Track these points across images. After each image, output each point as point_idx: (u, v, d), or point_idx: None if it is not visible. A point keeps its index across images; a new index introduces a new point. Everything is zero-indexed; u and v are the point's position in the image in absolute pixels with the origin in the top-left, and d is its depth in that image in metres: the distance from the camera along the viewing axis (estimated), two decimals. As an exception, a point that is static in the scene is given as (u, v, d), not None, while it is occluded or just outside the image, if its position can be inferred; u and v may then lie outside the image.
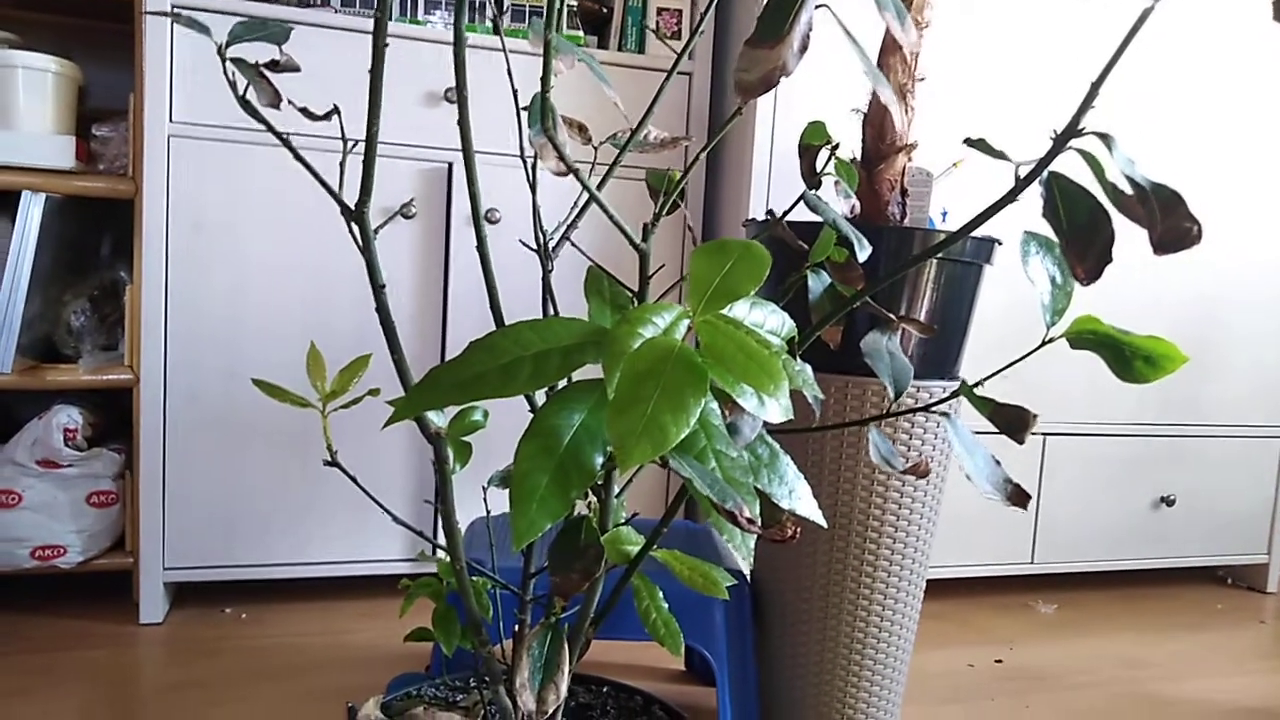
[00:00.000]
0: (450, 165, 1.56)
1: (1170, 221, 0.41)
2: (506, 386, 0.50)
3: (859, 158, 1.16)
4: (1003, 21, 1.67)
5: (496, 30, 1.27)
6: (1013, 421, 0.55)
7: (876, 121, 1.14)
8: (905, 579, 1.15)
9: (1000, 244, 1.15)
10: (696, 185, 1.72)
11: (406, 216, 1.54)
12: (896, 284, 1.10)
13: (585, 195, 0.57)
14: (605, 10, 1.72)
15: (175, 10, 1.41)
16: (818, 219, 0.70)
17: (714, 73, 1.71)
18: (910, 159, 1.15)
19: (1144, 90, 1.78)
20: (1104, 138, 0.43)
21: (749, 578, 1.21)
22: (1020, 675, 1.51)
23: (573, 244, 0.72)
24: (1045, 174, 0.45)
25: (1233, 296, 1.91)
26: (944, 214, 1.49)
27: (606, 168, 0.67)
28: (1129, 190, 0.43)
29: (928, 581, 1.69)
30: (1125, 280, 1.82)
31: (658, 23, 1.70)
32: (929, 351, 1.13)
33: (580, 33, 1.69)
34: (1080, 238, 0.43)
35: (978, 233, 1.12)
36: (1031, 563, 1.83)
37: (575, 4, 1.70)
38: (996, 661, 1.56)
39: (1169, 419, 1.90)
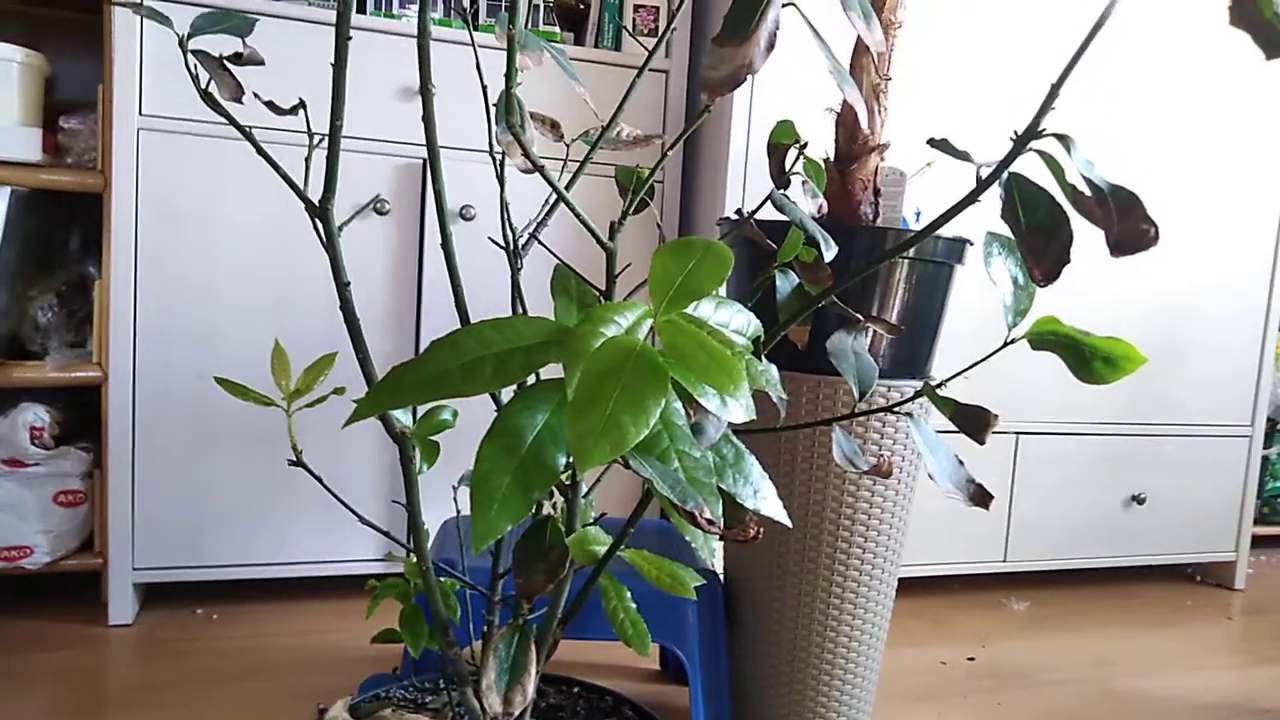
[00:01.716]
0: (425, 161, 1.55)
1: (1127, 223, 0.41)
2: (468, 386, 0.49)
3: (833, 157, 1.17)
4: (983, 21, 1.68)
5: (468, 24, 1.26)
6: (973, 422, 0.56)
7: (849, 121, 1.15)
8: (877, 577, 1.16)
9: (971, 244, 1.16)
10: (673, 184, 1.72)
11: (380, 212, 1.53)
12: (868, 284, 1.10)
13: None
14: (582, 6, 1.72)
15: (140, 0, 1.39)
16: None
17: (690, 71, 1.71)
18: (883, 159, 1.16)
19: (1110, 92, 1.80)
20: (1063, 139, 0.43)
21: (721, 577, 1.21)
22: (992, 673, 1.52)
23: (540, 243, 0.72)
24: (1005, 175, 0.45)
25: (1201, 297, 1.93)
26: (917, 214, 1.50)
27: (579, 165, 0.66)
28: (1088, 191, 0.43)
29: (900, 579, 1.70)
30: (1094, 282, 1.84)
31: (634, 20, 1.69)
32: (900, 351, 1.13)
33: (556, 29, 1.69)
34: (1038, 238, 0.43)
35: (951, 233, 1.13)
36: (1004, 561, 1.85)
37: (552, 1, 1.69)
38: (969, 659, 1.57)
39: (1140, 418, 1.92)
